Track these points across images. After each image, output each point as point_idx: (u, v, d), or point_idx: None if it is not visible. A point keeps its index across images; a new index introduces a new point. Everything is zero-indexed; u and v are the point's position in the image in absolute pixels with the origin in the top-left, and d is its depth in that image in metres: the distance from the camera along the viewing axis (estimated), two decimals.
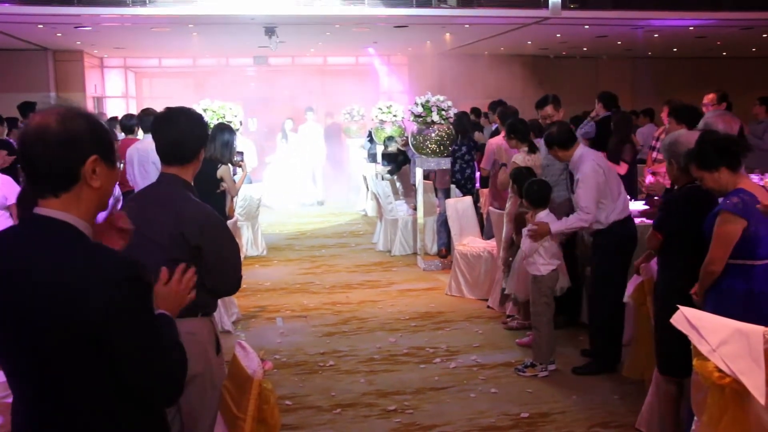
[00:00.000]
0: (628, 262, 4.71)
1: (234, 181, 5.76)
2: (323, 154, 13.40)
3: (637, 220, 4.99)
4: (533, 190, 4.96)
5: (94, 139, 1.68)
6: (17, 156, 1.91)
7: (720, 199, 3.32)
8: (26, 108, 9.38)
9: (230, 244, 2.71)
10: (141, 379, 1.66)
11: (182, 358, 1.74)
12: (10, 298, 1.60)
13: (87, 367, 1.61)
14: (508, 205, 5.79)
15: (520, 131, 5.86)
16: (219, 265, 2.61)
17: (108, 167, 1.71)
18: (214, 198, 5.37)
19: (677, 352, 3.36)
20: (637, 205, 5.60)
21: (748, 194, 3.16)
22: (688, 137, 3.58)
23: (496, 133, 7.88)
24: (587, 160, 4.75)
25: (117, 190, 5.79)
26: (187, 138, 2.69)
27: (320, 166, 13.36)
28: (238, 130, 7.57)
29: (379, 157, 11.21)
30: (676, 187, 3.72)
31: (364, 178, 11.05)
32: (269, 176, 12.74)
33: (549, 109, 5.96)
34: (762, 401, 2.65)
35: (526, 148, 5.83)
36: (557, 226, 4.76)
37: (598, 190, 4.67)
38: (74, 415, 1.65)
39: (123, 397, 1.66)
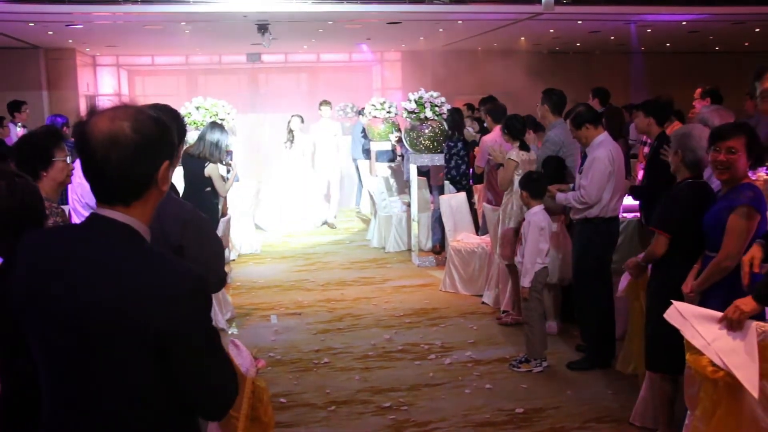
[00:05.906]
0: (610, 259, 4.83)
1: (225, 179, 5.73)
2: (340, 161, 10.83)
3: (630, 215, 5.01)
4: (532, 180, 4.99)
5: (165, 143, 1.60)
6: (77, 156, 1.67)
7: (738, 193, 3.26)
8: (15, 106, 9.36)
9: (212, 244, 2.68)
10: (197, 391, 1.60)
11: (234, 372, 1.69)
12: (70, 301, 1.52)
13: (141, 373, 1.55)
14: (504, 201, 5.81)
15: (514, 128, 5.86)
16: (201, 265, 2.56)
17: (172, 168, 1.65)
18: (202, 196, 5.34)
19: (668, 349, 3.36)
20: (629, 200, 5.62)
21: (757, 188, 3.15)
22: (701, 131, 3.61)
23: (487, 130, 7.85)
24: (605, 147, 4.75)
25: None
26: None
27: (337, 178, 10.62)
28: (232, 130, 7.54)
29: (373, 154, 11.18)
30: (678, 179, 3.72)
31: (359, 175, 11.01)
32: (270, 194, 10.32)
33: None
34: (755, 395, 2.66)
35: (518, 145, 5.85)
36: (559, 198, 4.88)
37: (606, 178, 4.67)
38: (114, 421, 1.57)
39: (169, 405, 1.59)
